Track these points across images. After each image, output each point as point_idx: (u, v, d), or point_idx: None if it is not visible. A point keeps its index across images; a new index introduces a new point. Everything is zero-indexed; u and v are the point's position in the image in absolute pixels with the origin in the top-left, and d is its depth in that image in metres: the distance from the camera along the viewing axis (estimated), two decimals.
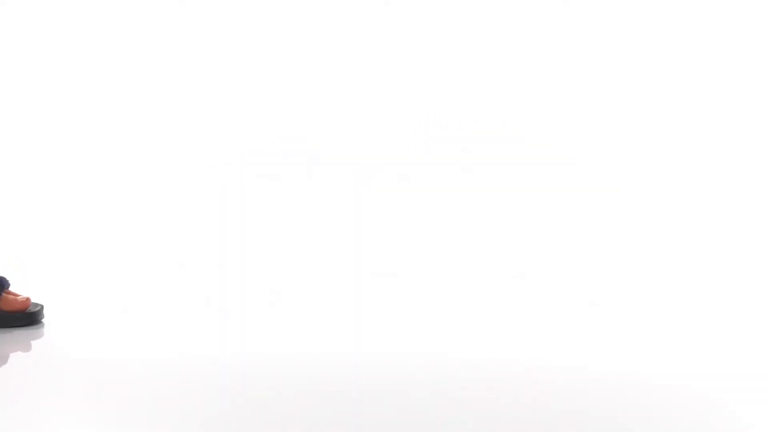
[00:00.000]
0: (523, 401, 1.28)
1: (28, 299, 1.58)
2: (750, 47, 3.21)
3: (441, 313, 1.74)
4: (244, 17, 3.25)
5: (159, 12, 3.29)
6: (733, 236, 2.51)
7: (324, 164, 2.92)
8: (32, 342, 1.55)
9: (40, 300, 1.63)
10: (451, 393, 1.32)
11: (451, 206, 2.75)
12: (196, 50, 3.28)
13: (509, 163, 3.13)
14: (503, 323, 1.68)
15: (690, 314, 1.79)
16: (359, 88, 3.15)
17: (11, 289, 1.59)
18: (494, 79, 3.27)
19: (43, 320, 1.59)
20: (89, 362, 1.44)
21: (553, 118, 3.23)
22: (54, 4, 3.28)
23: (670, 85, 3.22)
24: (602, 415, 1.22)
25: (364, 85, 3.16)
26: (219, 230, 2.51)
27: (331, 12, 3.16)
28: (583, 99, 3.23)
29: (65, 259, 2.27)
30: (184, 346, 1.56)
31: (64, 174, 3.06)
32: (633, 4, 3.27)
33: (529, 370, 1.41)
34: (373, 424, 1.22)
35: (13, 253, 2.30)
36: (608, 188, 2.97)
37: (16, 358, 1.46)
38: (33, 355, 1.48)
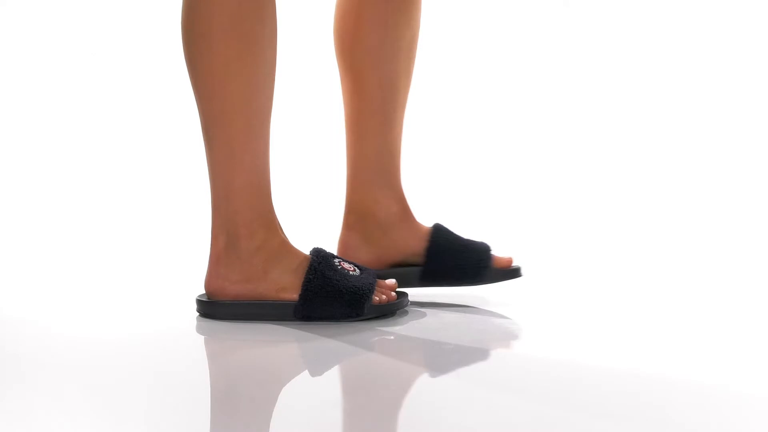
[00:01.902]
0: (522, 400, 1.28)
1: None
2: (750, 46, 3.21)
3: (440, 311, 1.74)
4: None
5: (157, 9, 3.29)
6: (733, 236, 2.51)
7: (324, 164, 2.92)
8: (32, 342, 1.55)
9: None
10: (447, 389, 1.32)
11: (449, 204, 2.76)
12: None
13: (508, 162, 3.13)
14: (502, 322, 1.68)
15: (693, 313, 1.79)
16: None
17: None
18: (494, 77, 3.27)
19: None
20: (88, 363, 1.44)
21: (553, 117, 3.23)
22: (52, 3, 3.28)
23: (670, 84, 3.23)
24: (604, 414, 1.23)
25: None
26: None
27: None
28: (583, 98, 3.23)
29: (64, 259, 2.27)
30: (190, 344, 1.56)
31: (61, 173, 3.06)
32: (633, 3, 3.27)
33: (529, 369, 1.42)
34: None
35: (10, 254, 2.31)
36: (608, 188, 2.97)
37: (13, 358, 1.47)
38: (31, 355, 1.48)
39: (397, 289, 1.73)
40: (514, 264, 1.79)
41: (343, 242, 1.80)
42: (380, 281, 1.69)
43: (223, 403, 1.26)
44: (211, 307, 1.65)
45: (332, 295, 1.62)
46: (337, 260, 1.66)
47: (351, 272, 1.65)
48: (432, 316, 1.69)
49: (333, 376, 1.40)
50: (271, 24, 1.59)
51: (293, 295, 1.62)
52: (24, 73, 3.24)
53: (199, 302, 1.66)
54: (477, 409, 1.23)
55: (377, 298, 1.65)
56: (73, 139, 3.16)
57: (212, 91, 1.57)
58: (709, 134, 3.13)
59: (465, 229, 1.87)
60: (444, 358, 1.49)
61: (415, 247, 1.78)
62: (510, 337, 1.62)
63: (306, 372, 1.43)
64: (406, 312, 1.71)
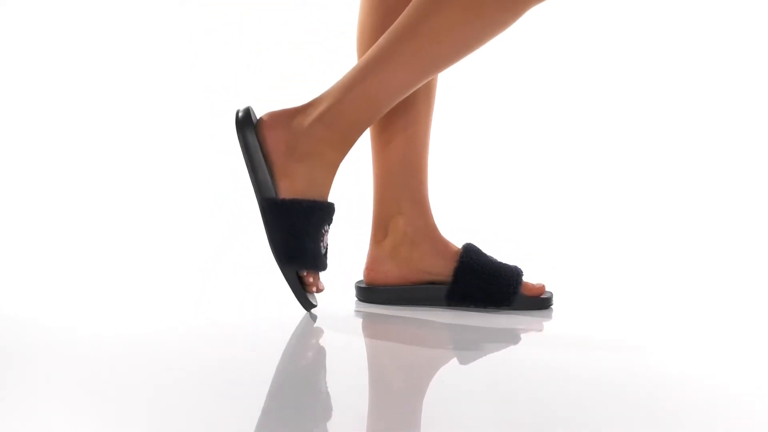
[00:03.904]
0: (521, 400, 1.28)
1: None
2: (750, 46, 3.21)
3: (440, 311, 1.74)
4: (242, 15, 3.25)
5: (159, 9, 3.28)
6: (734, 236, 2.51)
7: None
8: (32, 341, 1.55)
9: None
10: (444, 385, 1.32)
11: (450, 202, 2.75)
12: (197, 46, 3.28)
13: (508, 159, 3.13)
14: (503, 321, 1.68)
15: (695, 314, 1.79)
16: None
17: None
18: (495, 74, 3.27)
19: None
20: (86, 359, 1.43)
21: (553, 115, 3.22)
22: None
23: (670, 83, 3.22)
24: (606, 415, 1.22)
25: None
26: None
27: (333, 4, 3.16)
28: (583, 96, 3.23)
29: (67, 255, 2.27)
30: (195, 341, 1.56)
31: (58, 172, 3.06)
32: (635, 3, 3.27)
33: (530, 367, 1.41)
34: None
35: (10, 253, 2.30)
36: (608, 187, 2.97)
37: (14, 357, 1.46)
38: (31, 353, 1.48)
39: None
40: (546, 292, 1.75)
41: (372, 257, 1.77)
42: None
43: (222, 403, 1.26)
44: None
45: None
46: None
47: None
48: (432, 315, 1.69)
49: (331, 375, 1.39)
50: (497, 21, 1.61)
51: None
52: (24, 73, 3.23)
53: None
54: (477, 409, 1.23)
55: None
56: (72, 139, 3.15)
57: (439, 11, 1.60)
58: (715, 135, 3.13)
59: (484, 241, 1.85)
60: (444, 358, 1.48)
61: (442, 267, 1.74)
62: (511, 337, 1.62)
63: (304, 372, 1.43)
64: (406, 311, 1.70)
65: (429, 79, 1.65)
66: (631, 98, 3.20)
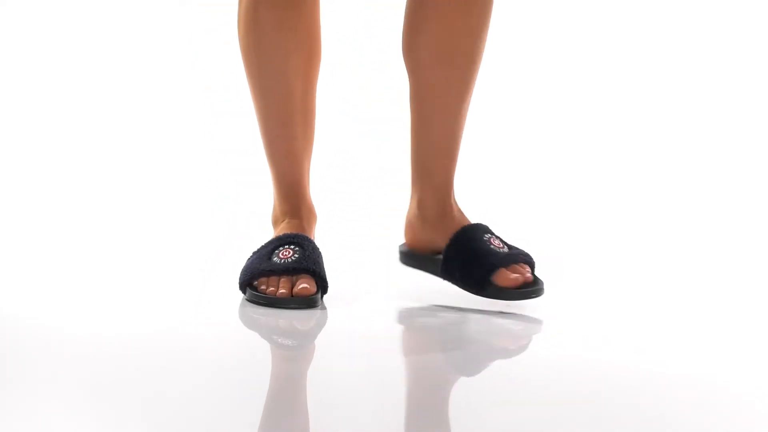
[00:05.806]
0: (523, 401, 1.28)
1: None
2: (750, 46, 3.21)
3: (440, 311, 1.74)
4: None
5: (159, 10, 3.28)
6: (735, 236, 2.51)
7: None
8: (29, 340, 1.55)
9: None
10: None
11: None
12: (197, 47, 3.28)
13: (509, 159, 3.13)
14: (504, 322, 1.68)
15: (697, 313, 1.79)
16: (362, 80, 3.15)
17: None
18: (495, 75, 3.27)
19: None
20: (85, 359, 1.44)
21: (553, 115, 3.22)
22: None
23: (669, 84, 3.22)
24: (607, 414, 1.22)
25: (367, 76, 3.16)
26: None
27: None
28: (582, 96, 3.23)
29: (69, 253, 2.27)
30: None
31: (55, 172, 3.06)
32: (635, 3, 3.27)
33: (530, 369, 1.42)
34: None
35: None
36: (608, 187, 2.97)
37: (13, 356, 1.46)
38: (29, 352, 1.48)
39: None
40: (527, 285, 1.69)
41: (408, 224, 1.85)
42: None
43: (222, 403, 1.26)
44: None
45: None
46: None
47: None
48: (433, 315, 1.69)
49: (331, 376, 1.39)
50: (269, 42, 1.86)
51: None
52: (24, 73, 3.23)
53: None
54: (477, 409, 1.23)
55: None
56: (72, 139, 3.15)
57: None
58: (713, 134, 3.13)
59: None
60: (445, 358, 1.49)
61: (440, 244, 1.77)
62: (511, 337, 1.62)
63: (301, 372, 1.43)
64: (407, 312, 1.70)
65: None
66: (629, 98, 3.20)
